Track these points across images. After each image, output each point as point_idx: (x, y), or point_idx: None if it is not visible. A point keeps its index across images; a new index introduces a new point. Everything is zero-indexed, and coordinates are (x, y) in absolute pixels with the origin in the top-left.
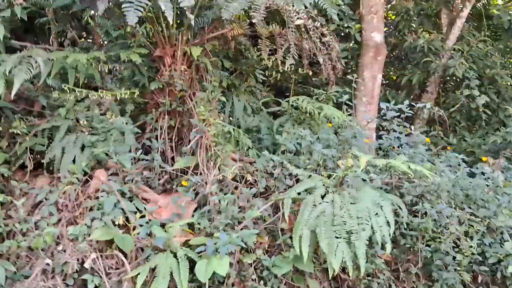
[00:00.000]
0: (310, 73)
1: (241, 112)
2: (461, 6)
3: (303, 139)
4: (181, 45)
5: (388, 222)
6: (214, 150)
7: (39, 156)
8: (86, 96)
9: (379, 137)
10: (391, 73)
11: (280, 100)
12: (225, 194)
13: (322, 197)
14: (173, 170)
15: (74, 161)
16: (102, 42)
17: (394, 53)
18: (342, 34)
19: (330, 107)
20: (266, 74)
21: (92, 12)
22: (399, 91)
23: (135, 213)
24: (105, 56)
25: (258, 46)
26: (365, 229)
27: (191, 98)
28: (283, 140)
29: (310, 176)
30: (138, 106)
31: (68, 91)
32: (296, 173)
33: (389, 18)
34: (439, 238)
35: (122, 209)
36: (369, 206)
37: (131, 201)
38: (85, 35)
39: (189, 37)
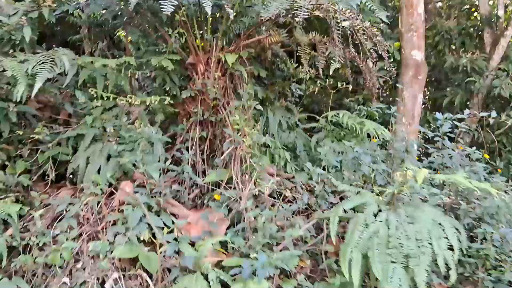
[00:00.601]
0: (350, 87)
1: (275, 128)
2: (506, 25)
3: (344, 154)
4: (215, 52)
5: (451, 245)
6: (250, 162)
7: (62, 166)
8: (115, 105)
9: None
10: (429, 94)
11: (316, 116)
12: (261, 211)
13: (375, 215)
14: (204, 183)
15: (99, 171)
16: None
17: (433, 73)
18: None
19: (372, 123)
20: (303, 88)
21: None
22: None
23: (162, 228)
24: (135, 62)
25: (298, 53)
26: (425, 253)
27: (224, 107)
28: (324, 154)
29: (358, 192)
30: (168, 116)
31: (96, 98)
32: (342, 189)
33: (428, 37)
34: (502, 266)
35: (148, 224)
36: (430, 227)
37: (158, 215)
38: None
39: (224, 44)
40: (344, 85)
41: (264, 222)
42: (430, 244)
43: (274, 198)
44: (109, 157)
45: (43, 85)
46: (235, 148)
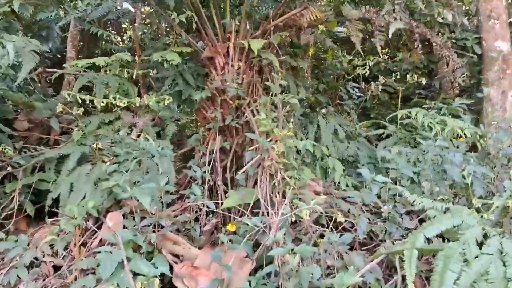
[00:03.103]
0: (423, 81)
1: (330, 137)
2: None
3: (423, 161)
4: (237, 39)
5: None
6: (282, 176)
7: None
8: (118, 118)
9: None
10: None
11: (382, 122)
12: (298, 244)
13: (479, 245)
14: (223, 210)
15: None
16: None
17: None
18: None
19: (457, 121)
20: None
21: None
22: None
23: (153, 279)
24: (141, 60)
25: (348, 32)
26: None
27: (252, 110)
28: (394, 162)
29: (447, 209)
30: (184, 127)
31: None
32: (421, 206)
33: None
34: None
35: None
36: None
37: (149, 259)
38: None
39: (249, 29)
40: (416, 79)
41: (301, 263)
42: None
43: (323, 225)
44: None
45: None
46: (262, 159)
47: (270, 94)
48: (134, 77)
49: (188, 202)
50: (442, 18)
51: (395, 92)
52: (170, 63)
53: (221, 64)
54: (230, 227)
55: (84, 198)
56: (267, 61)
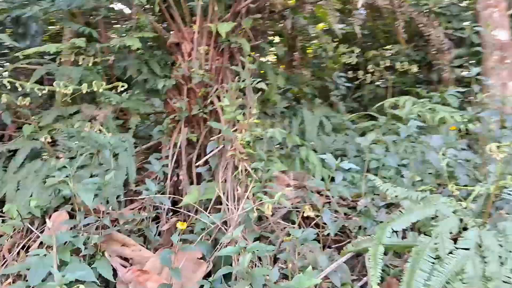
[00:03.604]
0: (414, 69)
1: (315, 131)
2: None
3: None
4: (206, 22)
5: None
6: (244, 167)
7: None
8: (77, 111)
9: None
10: None
11: (372, 113)
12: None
13: (454, 239)
14: (186, 208)
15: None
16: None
17: None
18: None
19: (448, 109)
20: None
21: None
22: None
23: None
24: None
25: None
26: None
27: (219, 97)
28: (369, 148)
29: (423, 198)
30: (149, 119)
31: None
32: (396, 197)
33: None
34: None
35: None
36: None
37: (90, 264)
38: None
39: (217, 11)
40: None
41: (259, 264)
42: None
43: (293, 222)
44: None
45: None
46: (224, 149)
47: (238, 79)
48: (96, 67)
49: (143, 199)
50: (440, 8)
51: (393, 86)
52: (131, 49)
53: (188, 50)
54: (181, 225)
55: (31, 196)
56: (236, 45)
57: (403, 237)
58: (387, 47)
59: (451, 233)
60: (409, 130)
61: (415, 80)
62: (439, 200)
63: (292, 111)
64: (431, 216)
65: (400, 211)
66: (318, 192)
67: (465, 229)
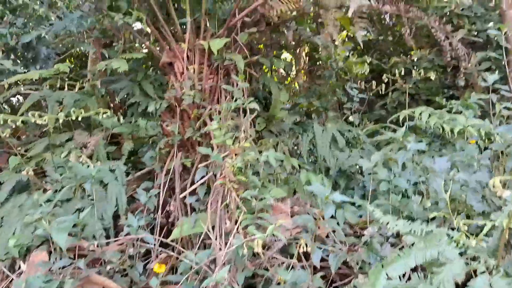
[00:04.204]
0: (432, 76)
1: (327, 146)
2: None
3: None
4: (199, 39)
5: None
6: (235, 198)
7: None
8: (69, 139)
9: None
10: None
11: (388, 125)
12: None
13: (464, 285)
14: (175, 243)
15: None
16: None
17: None
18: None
19: (471, 119)
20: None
21: None
22: None
23: None
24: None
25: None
26: None
27: (212, 118)
28: (375, 168)
29: (428, 234)
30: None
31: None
32: (397, 230)
33: None
34: None
35: None
36: None
37: None
38: None
39: (209, 27)
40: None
41: None
42: None
43: (288, 255)
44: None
45: None
46: (214, 177)
47: (233, 99)
48: (93, 91)
49: (127, 235)
50: (462, 10)
51: (418, 93)
52: (118, 71)
53: (181, 69)
54: (158, 268)
55: (14, 234)
56: (230, 62)
57: (409, 278)
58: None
59: (454, 279)
60: (408, 155)
61: (440, 86)
62: (442, 238)
63: (302, 127)
64: (433, 259)
65: (398, 253)
66: (323, 218)
67: (474, 275)
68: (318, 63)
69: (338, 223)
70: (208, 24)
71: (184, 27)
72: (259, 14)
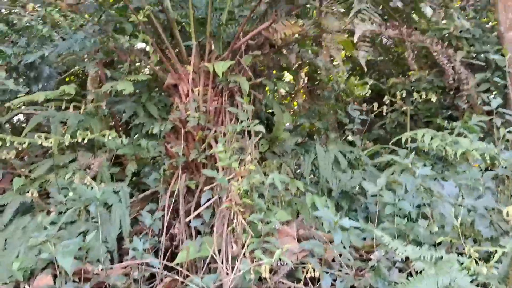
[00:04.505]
0: (433, 98)
1: (329, 167)
2: None
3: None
4: (203, 62)
5: None
6: (241, 222)
7: None
8: (73, 160)
9: None
10: None
11: (389, 146)
12: None
13: None
14: (181, 266)
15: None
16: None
17: None
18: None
19: (475, 142)
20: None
21: None
22: None
23: None
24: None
25: (325, 43)
26: None
27: (217, 141)
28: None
29: (438, 260)
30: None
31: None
32: (406, 256)
33: None
34: None
35: None
36: None
37: None
38: None
39: (214, 50)
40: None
41: None
42: None
43: (295, 280)
44: None
45: None
46: (220, 200)
47: (237, 121)
48: (97, 112)
49: (132, 259)
50: (460, 32)
51: (416, 114)
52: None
53: (185, 91)
54: None
55: (18, 257)
56: (235, 84)
57: None
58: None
59: None
60: (416, 181)
61: (440, 107)
62: (453, 265)
63: (304, 148)
64: (445, 286)
65: (408, 278)
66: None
67: None
68: (317, 83)
69: (344, 247)
70: (213, 47)
71: (189, 49)
72: (263, 37)
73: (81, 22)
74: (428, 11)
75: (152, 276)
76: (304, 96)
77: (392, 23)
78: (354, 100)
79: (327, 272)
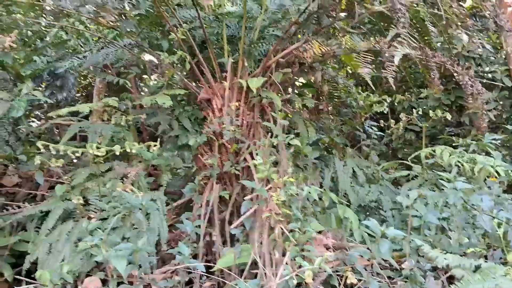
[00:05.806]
0: (448, 116)
1: (348, 181)
2: None
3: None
4: (236, 78)
5: None
6: (280, 230)
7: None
8: (109, 169)
9: None
10: None
11: (406, 161)
12: None
13: None
14: (220, 272)
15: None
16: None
17: None
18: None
19: (489, 159)
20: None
21: None
22: None
23: None
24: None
25: (354, 61)
26: None
27: (251, 153)
28: (413, 204)
29: (478, 267)
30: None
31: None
32: (446, 264)
33: None
34: None
35: None
36: None
37: None
38: None
39: (247, 66)
40: (439, 115)
41: None
42: None
43: (332, 286)
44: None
45: None
46: (260, 209)
47: (270, 135)
48: (128, 123)
49: (176, 264)
50: (468, 52)
51: (421, 131)
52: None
53: (219, 106)
54: None
55: (63, 260)
56: (267, 100)
57: None
58: (415, 90)
59: None
60: (457, 194)
61: (444, 123)
62: (497, 271)
63: (323, 162)
64: None
65: (455, 283)
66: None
67: None
68: (335, 100)
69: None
70: (246, 64)
71: (220, 65)
72: (293, 55)
73: (112, 36)
74: (464, 38)
75: (189, 281)
76: (324, 111)
77: (419, 45)
78: (363, 117)
79: (359, 280)
